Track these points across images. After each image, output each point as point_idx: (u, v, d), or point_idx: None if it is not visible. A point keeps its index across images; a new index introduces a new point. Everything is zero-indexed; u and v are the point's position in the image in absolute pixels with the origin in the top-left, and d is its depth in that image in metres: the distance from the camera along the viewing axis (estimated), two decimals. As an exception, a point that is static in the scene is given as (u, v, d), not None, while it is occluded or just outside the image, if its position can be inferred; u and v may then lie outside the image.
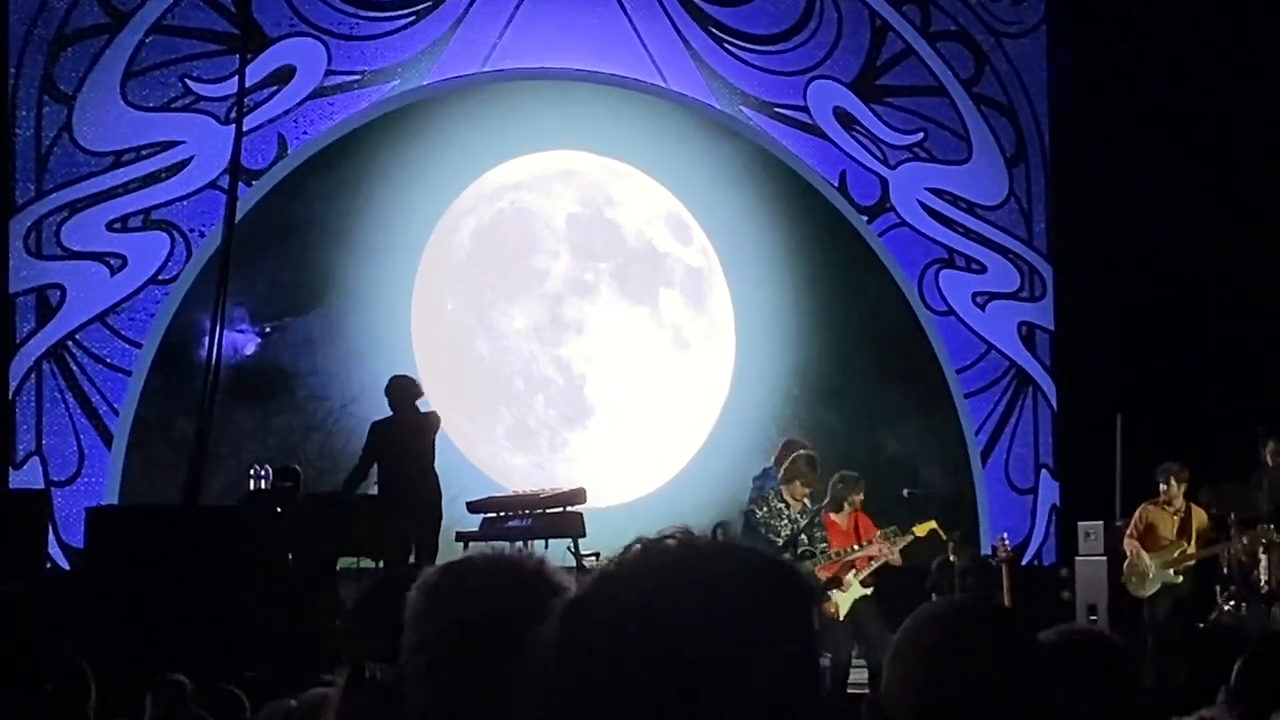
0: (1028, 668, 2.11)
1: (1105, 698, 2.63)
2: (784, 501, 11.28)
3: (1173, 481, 12.34)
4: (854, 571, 11.19)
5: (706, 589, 1.39)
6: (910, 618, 2.18)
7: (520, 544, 11.74)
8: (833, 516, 11.38)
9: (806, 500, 11.31)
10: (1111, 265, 14.85)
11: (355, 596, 2.57)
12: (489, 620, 2.01)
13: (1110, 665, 2.68)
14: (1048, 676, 2.17)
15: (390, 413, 11.75)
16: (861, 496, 11.46)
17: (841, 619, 10.99)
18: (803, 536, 11.10)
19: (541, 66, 14.66)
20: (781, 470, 11.48)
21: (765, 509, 11.27)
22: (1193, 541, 12.30)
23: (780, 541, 10.95)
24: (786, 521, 11.19)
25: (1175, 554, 12.28)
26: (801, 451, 11.60)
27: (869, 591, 11.14)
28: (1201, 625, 12.24)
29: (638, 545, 1.44)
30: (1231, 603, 12.45)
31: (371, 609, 2.39)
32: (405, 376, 12.15)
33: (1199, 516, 12.41)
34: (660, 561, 1.41)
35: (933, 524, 11.91)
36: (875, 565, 11.26)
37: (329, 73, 14.06)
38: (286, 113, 13.90)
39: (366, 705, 2.28)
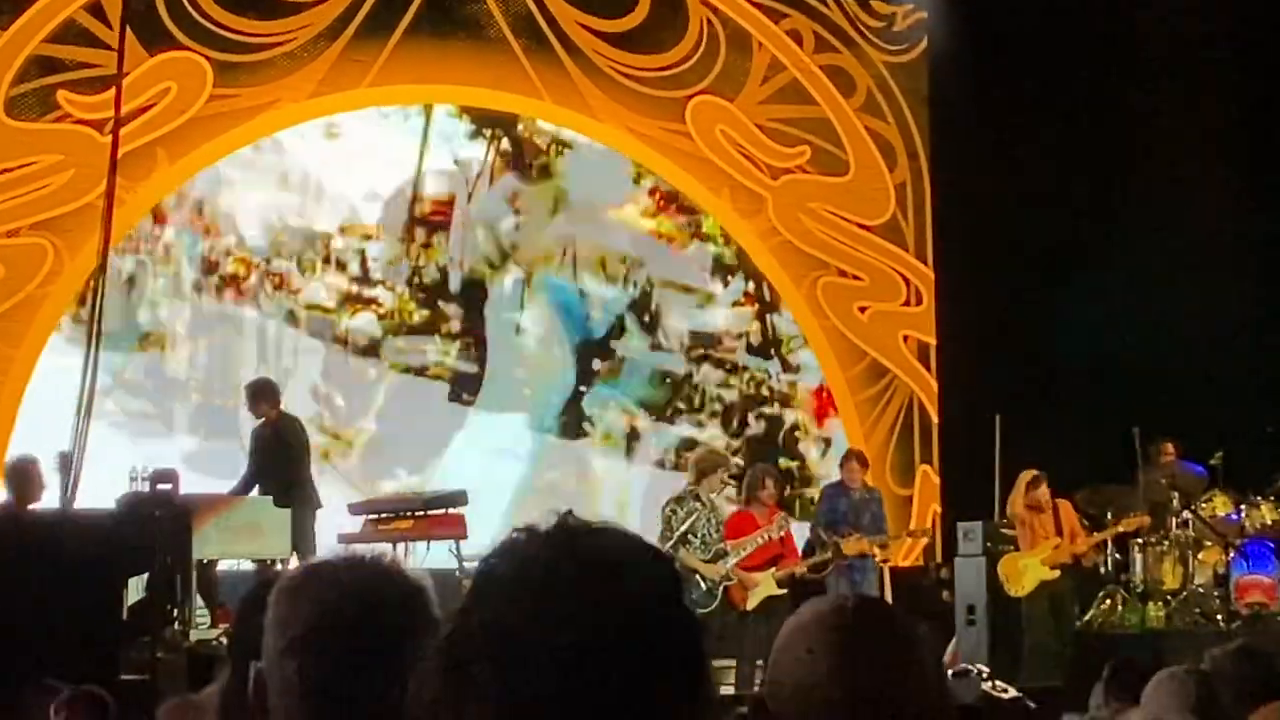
0: (914, 664, 2.11)
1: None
2: (700, 501, 11.28)
3: (1041, 487, 12.42)
4: (774, 569, 11.22)
5: (581, 571, 1.40)
6: (794, 614, 2.17)
7: (401, 545, 11.70)
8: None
9: (713, 497, 11.36)
10: (991, 271, 15.01)
11: (239, 597, 2.57)
12: (352, 618, 1.99)
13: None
14: (933, 674, 2.18)
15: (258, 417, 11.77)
16: (770, 491, 11.58)
17: (749, 609, 11.01)
18: (714, 534, 11.17)
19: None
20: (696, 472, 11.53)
21: (681, 509, 11.21)
22: (1066, 536, 12.36)
23: (697, 541, 11.04)
24: (704, 521, 11.19)
25: (1049, 549, 12.32)
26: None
27: (783, 592, 11.13)
28: (1077, 625, 12.36)
29: (512, 535, 1.44)
30: (1107, 602, 12.61)
31: (255, 608, 2.38)
32: (267, 379, 12.23)
33: (1066, 511, 12.49)
34: (534, 551, 1.41)
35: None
36: (799, 568, 11.37)
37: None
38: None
39: (248, 704, 2.24)
